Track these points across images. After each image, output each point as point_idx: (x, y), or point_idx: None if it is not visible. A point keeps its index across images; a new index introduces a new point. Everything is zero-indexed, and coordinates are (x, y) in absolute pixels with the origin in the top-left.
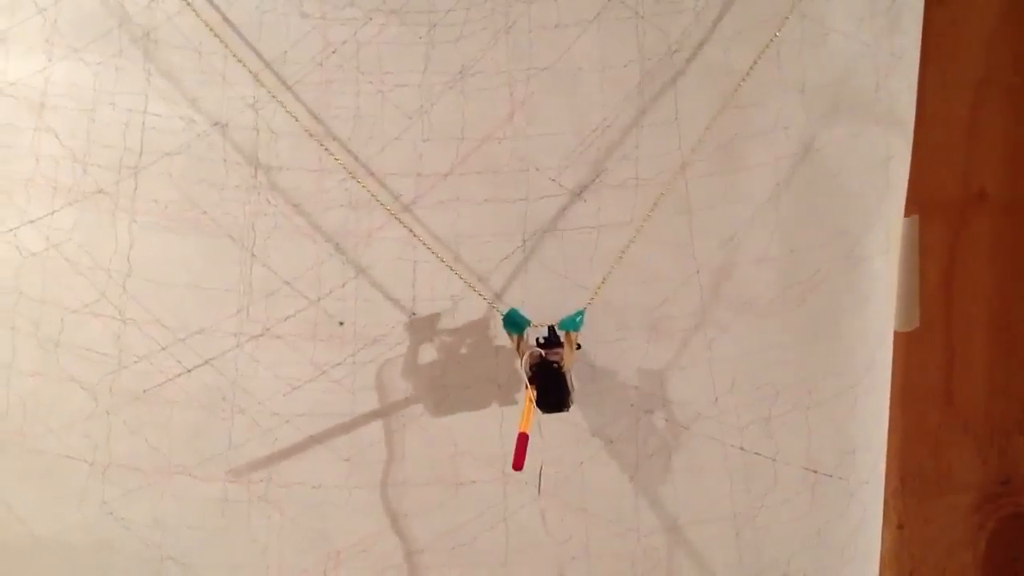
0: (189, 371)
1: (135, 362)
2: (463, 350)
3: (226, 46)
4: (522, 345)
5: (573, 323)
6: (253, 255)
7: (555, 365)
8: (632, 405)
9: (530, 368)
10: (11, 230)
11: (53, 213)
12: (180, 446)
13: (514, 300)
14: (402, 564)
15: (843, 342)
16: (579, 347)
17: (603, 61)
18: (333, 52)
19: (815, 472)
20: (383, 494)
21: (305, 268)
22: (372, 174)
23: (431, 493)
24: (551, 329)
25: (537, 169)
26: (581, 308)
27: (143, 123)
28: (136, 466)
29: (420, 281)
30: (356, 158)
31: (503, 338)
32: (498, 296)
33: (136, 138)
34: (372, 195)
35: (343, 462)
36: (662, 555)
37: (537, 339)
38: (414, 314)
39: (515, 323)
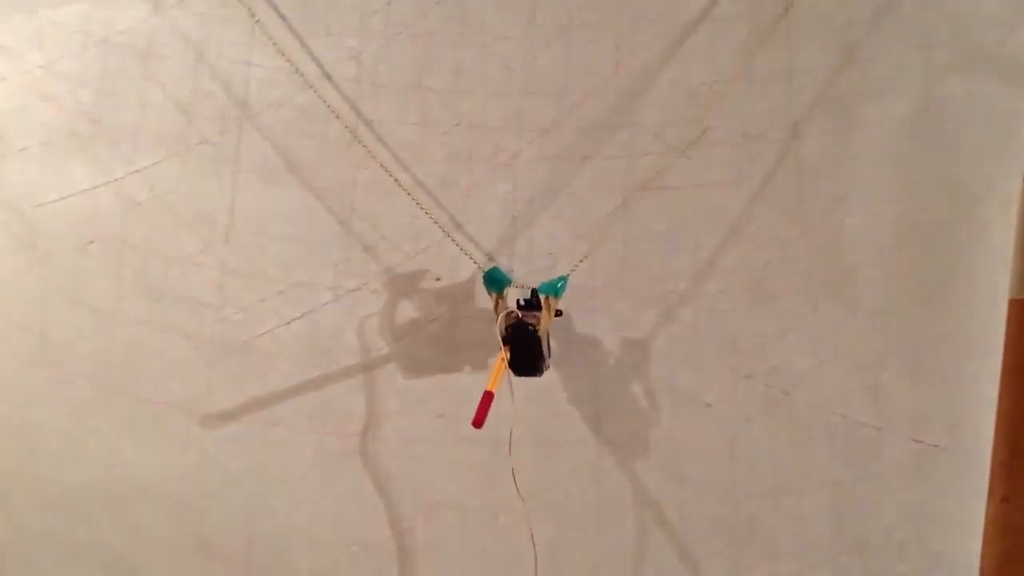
0: (288, 323)
1: (236, 313)
2: (560, 309)
3: None
4: (500, 304)
5: (553, 288)
6: (352, 208)
7: (531, 328)
8: (731, 369)
9: (505, 329)
10: (117, 179)
11: (158, 163)
12: (278, 398)
13: (611, 258)
14: (495, 519)
15: (954, 309)
16: (560, 314)
17: (712, 14)
18: (436, 3)
19: (920, 442)
20: (475, 450)
21: (403, 222)
22: (473, 127)
23: (525, 451)
24: (534, 292)
25: (641, 125)
26: (564, 274)
27: (247, 74)
28: (235, 416)
29: (519, 235)
30: (456, 112)
31: (583, 300)
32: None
33: (240, 89)
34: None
35: (437, 418)
36: (757, 522)
37: (518, 300)
38: (511, 271)
39: (495, 281)
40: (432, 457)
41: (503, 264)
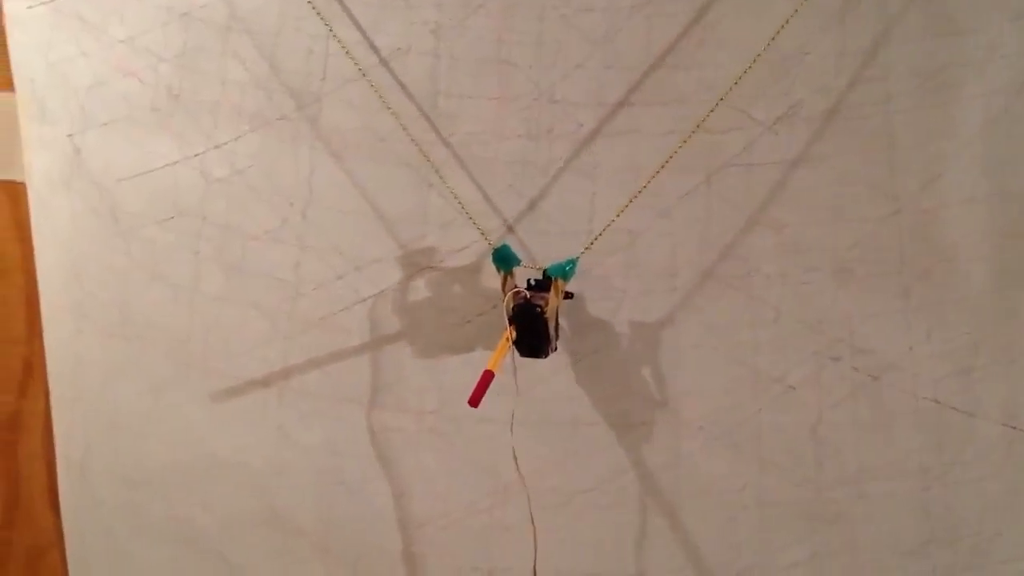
0: (364, 300)
1: (313, 289)
2: (641, 287)
3: None
4: (508, 283)
5: (562, 270)
6: (429, 185)
7: (538, 309)
8: (816, 352)
9: (512, 308)
10: (197, 155)
11: (238, 139)
12: (354, 374)
13: (693, 237)
14: (569, 502)
15: None
16: (570, 296)
17: None
18: None
19: (1014, 428)
20: (550, 431)
21: (480, 199)
22: (553, 102)
23: (601, 433)
24: (545, 273)
25: (725, 99)
26: (574, 256)
27: (326, 49)
28: (311, 392)
29: (598, 214)
30: (537, 85)
31: (662, 280)
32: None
33: (319, 64)
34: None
35: (514, 398)
36: (842, 509)
37: (528, 280)
38: (589, 247)
39: (504, 259)
40: (506, 438)
41: (581, 241)
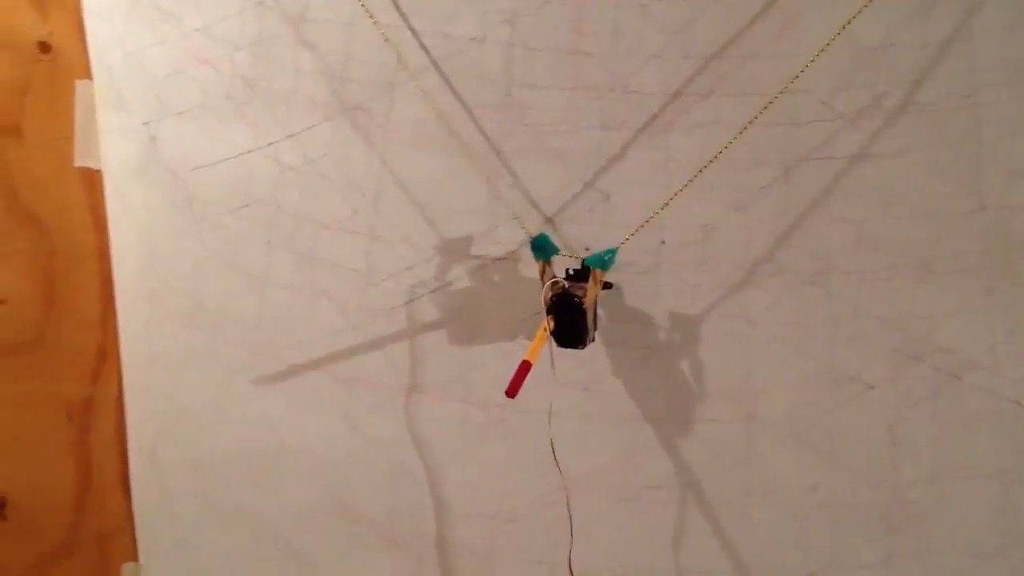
0: (434, 291)
1: (383, 280)
2: (715, 281)
3: None
4: (547, 272)
5: (600, 260)
6: (501, 175)
7: (576, 299)
8: (895, 350)
9: (550, 298)
10: (271, 144)
11: (311, 128)
12: (423, 365)
13: (767, 231)
14: (635, 498)
15: None
16: (609, 286)
17: None
18: None
19: None
20: (618, 426)
21: (552, 190)
22: (628, 92)
23: (670, 429)
24: (583, 263)
25: (807, 91)
26: (613, 246)
27: (400, 38)
28: (380, 382)
29: (672, 208)
30: (612, 75)
31: (735, 274)
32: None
33: (393, 53)
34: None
35: (581, 391)
36: (918, 510)
37: (567, 270)
38: (663, 242)
39: (542, 248)
40: (576, 431)
41: (655, 234)
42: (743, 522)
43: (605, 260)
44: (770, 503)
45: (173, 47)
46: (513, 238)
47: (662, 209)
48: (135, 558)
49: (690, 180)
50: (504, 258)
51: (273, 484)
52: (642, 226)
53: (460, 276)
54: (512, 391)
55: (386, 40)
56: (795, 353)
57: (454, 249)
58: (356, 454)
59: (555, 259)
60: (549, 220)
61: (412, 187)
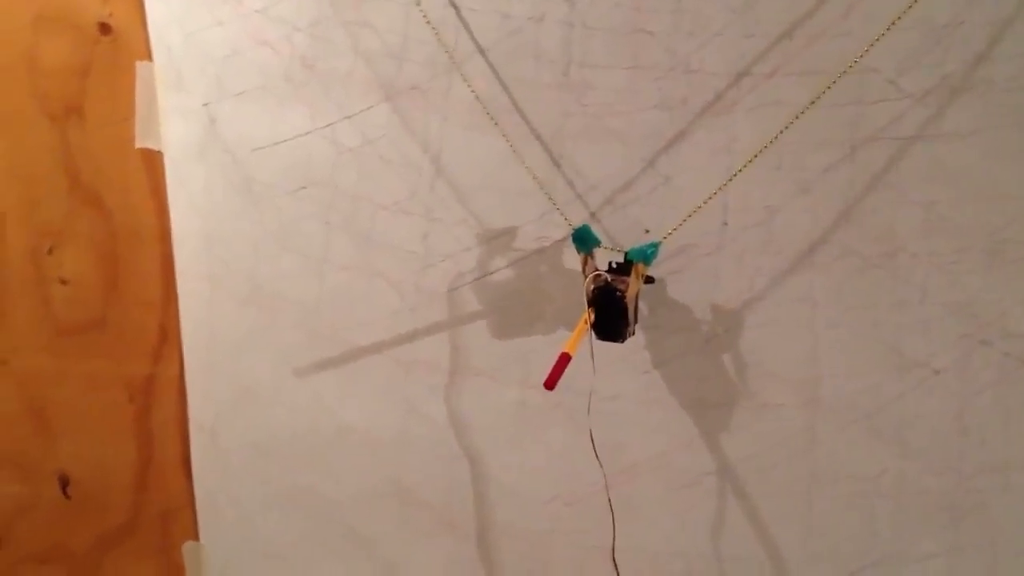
0: (491, 273)
1: (441, 261)
2: (778, 264)
3: None
4: (588, 265)
5: (643, 254)
6: (560, 156)
7: (617, 293)
8: (964, 335)
9: (593, 290)
10: (329, 125)
11: (369, 109)
12: (481, 348)
13: (833, 213)
14: (696, 484)
15: None
16: (651, 280)
17: None
18: None
19: None
20: (679, 411)
21: (611, 172)
22: (689, 72)
23: (732, 414)
24: (626, 256)
25: (874, 70)
26: (657, 240)
27: (459, 18)
28: (438, 365)
29: (734, 188)
30: (673, 55)
31: (799, 257)
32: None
33: (451, 34)
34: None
35: (643, 375)
36: (985, 500)
37: (610, 263)
38: (726, 224)
39: (583, 240)
40: (635, 416)
41: (716, 216)
42: (805, 509)
43: (648, 254)
44: (833, 490)
45: (232, 28)
46: (574, 219)
47: (710, 198)
48: (196, 537)
49: (743, 167)
50: (563, 240)
51: (331, 466)
52: (687, 218)
53: (519, 258)
54: (551, 383)
55: (427, 23)
56: (860, 337)
57: (512, 231)
58: (413, 436)
59: (598, 251)
60: (593, 215)
61: (470, 168)
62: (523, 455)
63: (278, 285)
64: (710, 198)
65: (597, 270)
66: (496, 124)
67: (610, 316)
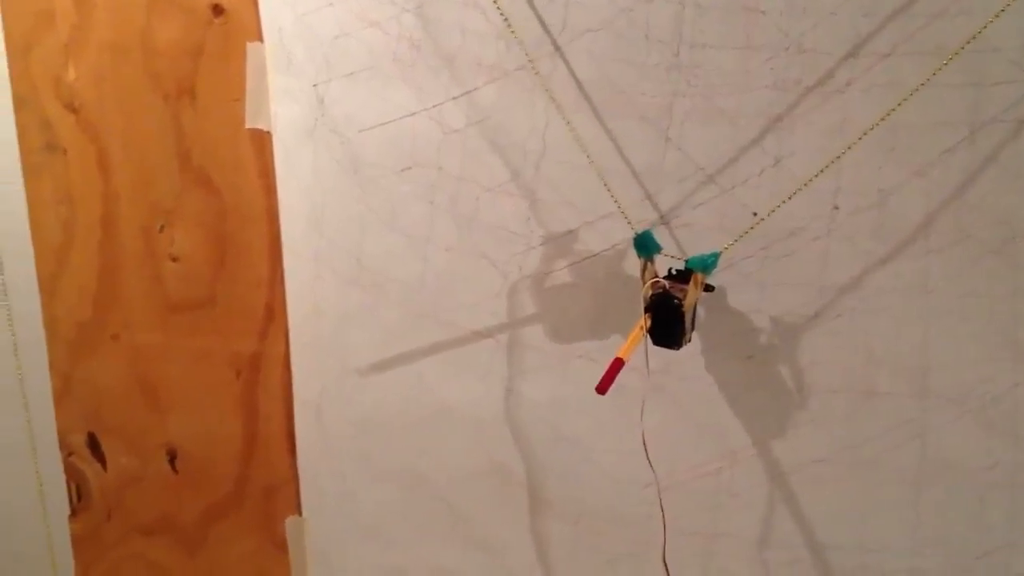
0: (595, 255)
1: (544, 243)
2: (890, 249)
3: None
4: (648, 270)
5: (703, 263)
6: (668, 138)
7: (675, 301)
8: None
9: (651, 297)
10: (435, 105)
11: (475, 90)
12: (582, 330)
13: (949, 197)
14: (799, 472)
15: None
16: (711, 289)
17: None
18: None
19: None
20: (784, 398)
21: (720, 153)
22: (803, 51)
23: (838, 401)
24: (686, 265)
25: (996, 50)
26: (717, 250)
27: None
28: (539, 346)
29: (846, 172)
30: (786, 34)
31: (916, 242)
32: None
33: (559, 14)
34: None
35: (745, 360)
36: None
37: (670, 269)
38: (837, 207)
39: (644, 246)
40: (737, 401)
41: (826, 200)
42: (915, 499)
43: (708, 264)
44: (944, 481)
45: (342, 9)
46: (680, 202)
47: (813, 179)
48: (298, 512)
49: (848, 148)
50: (668, 223)
51: (431, 444)
52: (751, 229)
53: (622, 241)
54: (603, 388)
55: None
56: (975, 326)
57: (617, 213)
58: (513, 417)
59: (658, 258)
60: (662, 217)
61: (576, 150)
62: (622, 438)
63: (382, 265)
64: (812, 179)
65: (656, 276)
66: (606, 104)
67: (666, 323)
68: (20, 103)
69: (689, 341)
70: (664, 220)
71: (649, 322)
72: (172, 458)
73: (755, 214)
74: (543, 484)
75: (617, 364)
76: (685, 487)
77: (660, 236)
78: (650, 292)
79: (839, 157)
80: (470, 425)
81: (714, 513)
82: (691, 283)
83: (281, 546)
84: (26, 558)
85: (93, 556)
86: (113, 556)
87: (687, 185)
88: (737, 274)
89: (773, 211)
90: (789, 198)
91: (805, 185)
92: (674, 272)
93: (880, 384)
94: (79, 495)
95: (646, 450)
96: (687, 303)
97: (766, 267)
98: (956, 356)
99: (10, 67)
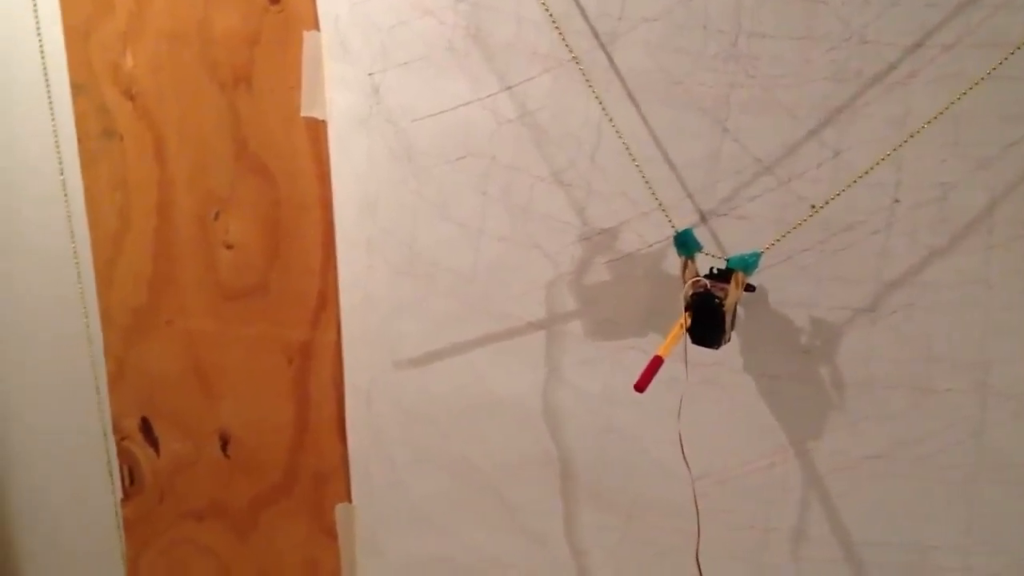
0: (650, 246)
1: (597, 234)
2: (952, 243)
3: None
4: (689, 268)
5: (744, 262)
6: (725, 129)
7: (716, 300)
8: None
9: (691, 296)
10: (490, 95)
11: (530, 79)
12: (635, 321)
13: (1013, 191)
14: (853, 467)
15: None
16: (752, 289)
17: None
18: None
19: None
20: (840, 392)
21: (778, 145)
22: (864, 42)
23: (895, 397)
24: (728, 264)
25: None
26: (758, 250)
27: None
28: (591, 337)
29: (907, 164)
30: (847, 24)
31: (979, 236)
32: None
33: (616, 3)
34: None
35: (802, 355)
36: None
37: (711, 269)
38: (897, 200)
39: (685, 244)
40: (792, 395)
41: (888, 193)
42: (972, 497)
43: (749, 263)
44: (1002, 479)
45: None
46: (736, 194)
47: (869, 171)
48: (348, 499)
49: (905, 140)
50: (725, 214)
51: (482, 434)
52: (842, 192)
53: (678, 231)
54: (642, 386)
55: None
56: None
57: (672, 205)
58: (564, 408)
59: (700, 257)
60: (703, 217)
61: (631, 140)
62: (673, 430)
63: (435, 254)
64: (872, 171)
65: (697, 275)
66: (663, 94)
67: (707, 323)
68: (78, 90)
69: (728, 341)
70: (717, 213)
71: (689, 321)
72: (224, 444)
73: (812, 206)
74: (593, 475)
75: (656, 362)
76: (738, 481)
77: (716, 228)
78: (691, 291)
79: (899, 148)
80: (520, 415)
81: (767, 508)
82: (732, 283)
83: (330, 533)
84: (94, 538)
85: (144, 539)
86: (164, 540)
87: (744, 177)
88: (794, 267)
89: (829, 202)
90: (845, 189)
91: (863, 176)
92: (715, 271)
93: (938, 380)
94: (132, 479)
95: (682, 449)
96: (728, 303)
97: (823, 260)
98: (1017, 352)
99: (68, 54)
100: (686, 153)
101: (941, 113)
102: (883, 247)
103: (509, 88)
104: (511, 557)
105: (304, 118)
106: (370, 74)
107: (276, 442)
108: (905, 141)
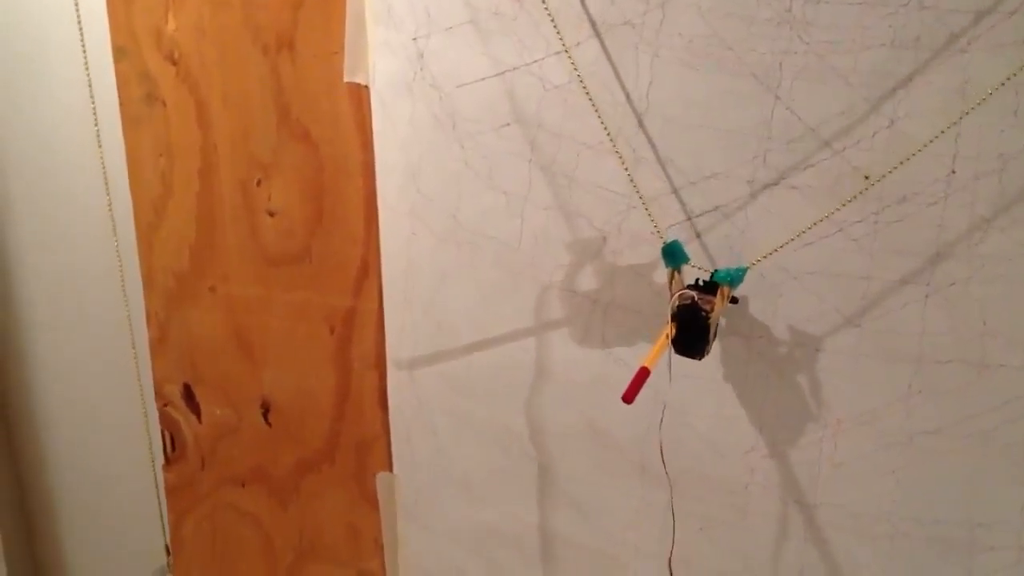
0: (698, 216)
1: (644, 203)
2: (1002, 217)
3: None
4: (676, 280)
5: (730, 276)
6: (777, 97)
7: (703, 313)
8: None
9: (677, 307)
10: (536, 61)
11: (578, 45)
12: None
13: None
14: (907, 443)
15: None
16: (736, 301)
17: None
18: None
19: None
20: (893, 367)
21: (833, 114)
22: (923, 8)
23: (950, 372)
24: (713, 277)
25: None
26: (745, 265)
27: None
28: (638, 308)
29: (965, 135)
30: None
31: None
32: None
33: None
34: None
35: (853, 328)
36: None
37: (697, 280)
38: (953, 172)
39: (672, 256)
40: (846, 370)
41: (945, 164)
42: None
43: (735, 277)
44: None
45: None
46: (788, 163)
47: (928, 144)
48: (389, 468)
49: (967, 112)
50: (775, 184)
51: (525, 404)
52: (900, 165)
53: (727, 202)
54: (629, 397)
55: None
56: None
57: (722, 173)
58: (610, 379)
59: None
60: (697, 235)
61: (681, 108)
62: (723, 403)
63: (479, 223)
64: (930, 143)
65: (683, 287)
66: (715, 60)
67: (692, 334)
68: (120, 54)
69: (709, 352)
70: (776, 180)
71: (674, 332)
72: (266, 411)
73: (867, 177)
74: (639, 449)
75: (643, 373)
76: (786, 456)
77: (772, 196)
78: (677, 303)
79: (959, 120)
80: (566, 386)
81: (814, 483)
82: (718, 296)
83: (372, 501)
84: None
85: (186, 505)
86: (206, 506)
87: (796, 146)
88: (847, 239)
89: (886, 175)
90: (904, 162)
91: (922, 149)
92: (701, 283)
93: (994, 355)
94: (173, 445)
95: (663, 457)
96: (713, 316)
97: (877, 232)
98: None
99: (110, 18)
100: (737, 120)
101: (1004, 84)
102: (939, 219)
103: (557, 53)
104: (555, 527)
105: (347, 83)
106: (414, 39)
107: (318, 410)
108: (967, 112)
